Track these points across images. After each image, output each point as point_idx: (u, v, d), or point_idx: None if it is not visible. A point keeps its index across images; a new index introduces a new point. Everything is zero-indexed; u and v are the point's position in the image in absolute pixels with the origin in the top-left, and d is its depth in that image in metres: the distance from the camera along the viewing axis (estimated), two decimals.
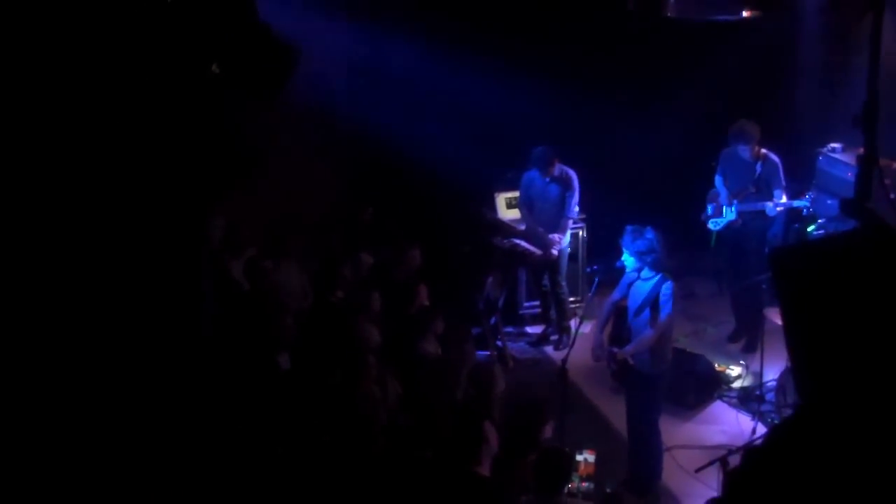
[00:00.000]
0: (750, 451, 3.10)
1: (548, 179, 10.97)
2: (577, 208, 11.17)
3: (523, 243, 11.20)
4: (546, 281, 11.48)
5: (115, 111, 5.36)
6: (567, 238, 11.18)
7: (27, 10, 5.00)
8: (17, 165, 5.03)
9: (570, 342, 9.35)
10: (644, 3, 6.08)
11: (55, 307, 5.17)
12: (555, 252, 11.01)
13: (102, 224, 5.34)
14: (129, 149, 5.44)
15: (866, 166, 3.64)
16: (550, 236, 10.95)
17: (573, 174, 10.97)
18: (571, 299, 11.74)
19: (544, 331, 11.73)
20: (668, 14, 6.05)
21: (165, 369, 5.65)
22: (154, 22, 5.44)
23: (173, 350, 5.74)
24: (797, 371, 2.98)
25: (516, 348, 11.43)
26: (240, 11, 5.65)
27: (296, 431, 7.25)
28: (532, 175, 11.13)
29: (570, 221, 11.18)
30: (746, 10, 6.07)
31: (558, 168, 10.91)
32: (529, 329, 11.98)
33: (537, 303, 11.96)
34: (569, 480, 7.00)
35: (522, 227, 11.48)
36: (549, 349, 11.45)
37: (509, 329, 11.73)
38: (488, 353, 10.51)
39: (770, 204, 10.30)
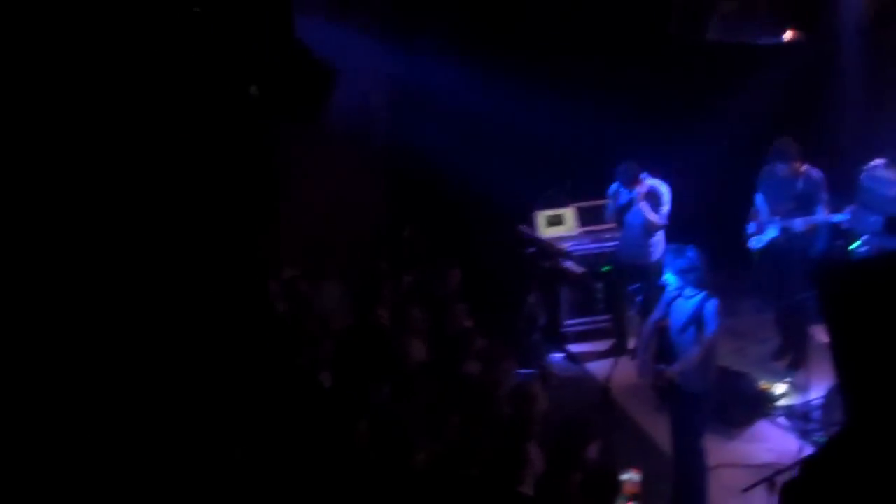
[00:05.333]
0: (807, 462, 3.05)
1: (634, 194, 10.92)
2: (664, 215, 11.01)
3: (564, 261, 11.16)
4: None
5: (158, 134, 5.41)
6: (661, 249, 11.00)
7: (70, 32, 5.05)
8: (65, 187, 5.08)
9: (614, 360, 9.28)
10: (685, 26, 6.06)
11: (104, 331, 5.22)
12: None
13: (144, 246, 5.38)
14: (171, 171, 5.48)
15: None
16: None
17: (658, 182, 10.97)
18: (615, 316, 11.67)
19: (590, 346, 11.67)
20: (710, 37, 6.03)
21: (207, 387, 5.68)
22: (194, 44, 5.47)
23: (217, 369, 5.77)
24: (844, 389, 2.93)
25: (559, 366, 11.38)
26: (278, 33, 5.70)
27: (340, 449, 7.24)
28: (617, 189, 11.13)
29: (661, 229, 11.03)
30: (787, 33, 6.03)
31: (645, 184, 10.88)
32: (572, 347, 11.93)
33: (579, 321, 11.90)
34: (615, 500, 6.94)
35: (564, 245, 11.45)
36: (591, 367, 11.39)
37: (552, 347, 11.68)
38: (530, 371, 10.47)
39: (799, 220, 10.26)
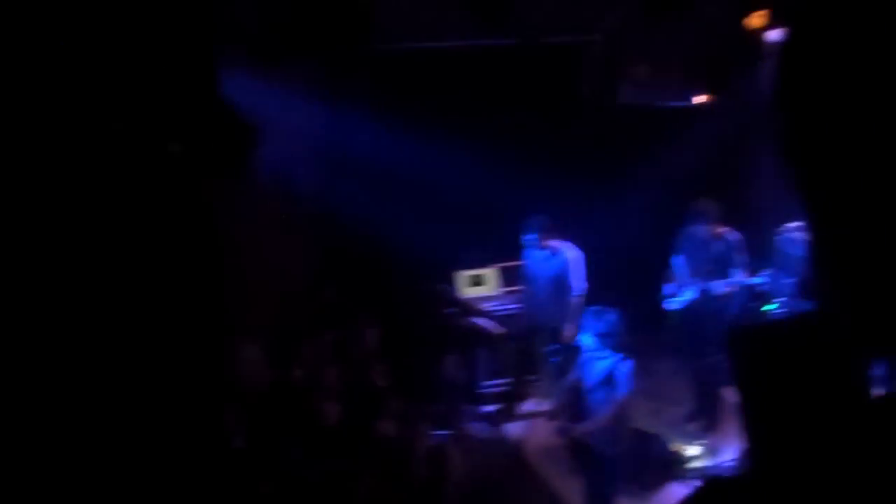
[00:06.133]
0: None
1: (545, 253, 11.01)
2: (583, 284, 11.03)
3: (483, 322, 11.20)
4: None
5: (78, 188, 5.35)
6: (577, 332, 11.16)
7: None
8: None
9: (529, 422, 9.31)
10: (597, 91, 6.20)
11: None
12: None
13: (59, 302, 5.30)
14: (90, 227, 5.43)
15: (813, 252, 3.66)
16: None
17: (571, 247, 11.05)
18: (530, 377, 11.72)
19: (503, 409, 11.68)
20: (621, 101, 6.17)
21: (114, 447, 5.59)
22: (115, 99, 5.45)
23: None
24: (751, 450, 2.98)
25: (475, 427, 11.36)
26: (202, 90, 5.69)
27: None
28: (529, 249, 11.18)
29: (579, 301, 11.00)
30: (697, 97, 6.19)
31: (555, 243, 10.96)
32: (488, 408, 11.93)
33: (497, 382, 11.92)
34: None
35: (485, 306, 11.51)
36: (507, 428, 11.39)
37: (468, 408, 11.66)
38: (447, 432, 10.44)
39: (719, 283, 10.41)
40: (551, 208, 11.47)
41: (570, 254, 11.01)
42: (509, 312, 11.90)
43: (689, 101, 6.15)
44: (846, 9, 0.89)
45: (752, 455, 3.04)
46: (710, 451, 10.25)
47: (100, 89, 5.44)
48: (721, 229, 10.52)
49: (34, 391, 5.19)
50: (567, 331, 10.96)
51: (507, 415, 11.60)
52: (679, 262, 10.89)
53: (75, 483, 5.31)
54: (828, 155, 0.92)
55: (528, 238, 11.02)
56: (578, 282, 10.98)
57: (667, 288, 10.94)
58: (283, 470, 7.76)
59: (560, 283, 11.00)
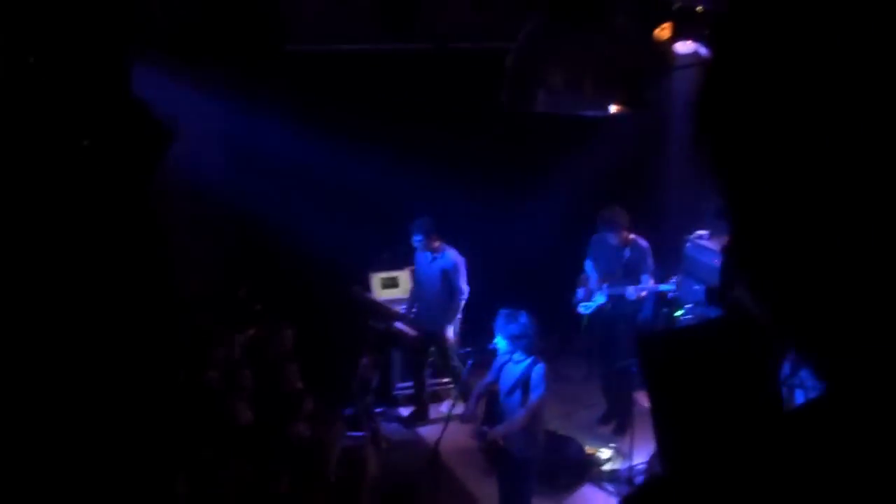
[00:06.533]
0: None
1: (430, 256, 11.10)
2: (466, 288, 11.21)
3: (397, 324, 11.21)
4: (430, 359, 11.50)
5: None
6: (457, 329, 11.30)
7: None
8: None
9: (443, 424, 9.32)
10: (514, 99, 6.22)
11: None
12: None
13: None
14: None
15: (731, 255, 3.74)
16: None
17: (455, 252, 11.09)
18: (445, 380, 11.77)
19: (416, 411, 11.71)
20: (538, 109, 6.21)
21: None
22: (25, 93, 5.36)
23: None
24: (662, 453, 3.03)
25: (390, 429, 11.37)
26: (113, 86, 5.62)
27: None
28: (418, 252, 11.29)
29: (460, 304, 11.26)
30: (613, 108, 6.24)
31: (440, 245, 11.05)
32: (403, 410, 11.94)
33: (410, 384, 11.93)
34: None
35: (399, 308, 11.53)
36: (421, 430, 11.42)
37: (382, 410, 11.66)
38: (361, 434, 10.42)
39: (631, 288, 10.55)
40: (464, 211, 11.54)
41: (454, 256, 11.10)
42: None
43: (604, 111, 6.20)
44: (769, 21, 0.91)
45: (661, 457, 3.09)
46: (622, 453, 10.37)
47: (14, 83, 5.35)
48: (630, 235, 10.66)
49: None
50: (448, 332, 11.10)
51: (422, 417, 11.62)
52: (590, 267, 11.01)
53: None
54: (749, 164, 0.93)
55: (415, 240, 11.12)
56: (461, 284, 11.08)
57: (578, 292, 11.06)
58: (196, 471, 7.68)
59: (443, 284, 11.09)
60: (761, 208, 0.91)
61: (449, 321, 11.19)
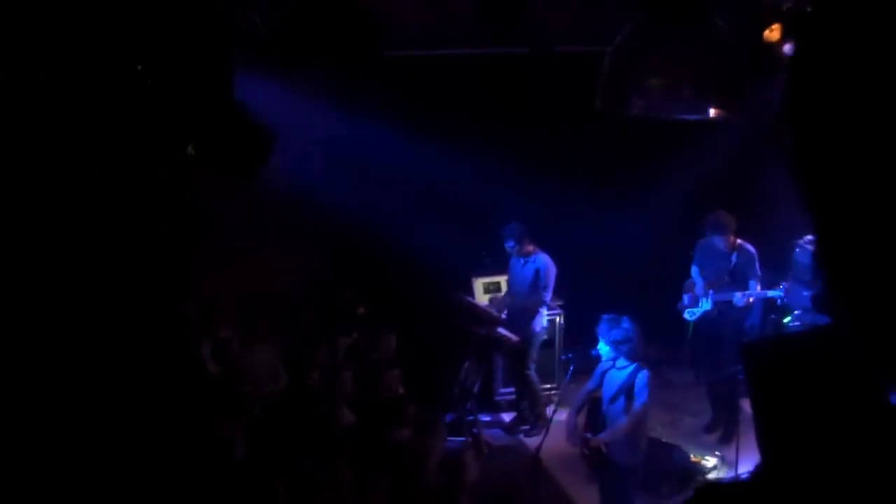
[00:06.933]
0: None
1: (522, 260, 11.06)
2: (547, 294, 11.16)
3: (500, 329, 11.17)
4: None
5: (93, 190, 5.35)
6: (543, 322, 11.23)
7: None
8: None
9: (545, 430, 9.24)
10: (609, 103, 6.13)
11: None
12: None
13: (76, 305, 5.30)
14: (105, 228, 5.42)
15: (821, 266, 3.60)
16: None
17: (546, 258, 11.03)
18: (547, 386, 11.69)
19: (518, 417, 11.66)
20: (632, 112, 6.11)
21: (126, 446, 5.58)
22: (132, 102, 5.45)
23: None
24: (763, 462, 2.94)
25: (491, 435, 11.33)
26: (217, 93, 5.69)
27: None
28: (512, 257, 11.26)
29: (544, 307, 11.19)
30: (713, 111, 6.12)
31: (533, 250, 11.01)
32: (505, 416, 11.90)
33: (513, 389, 11.89)
34: None
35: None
36: (523, 436, 11.36)
37: (484, 416, 11.63)
38: (462, 439, 10.41)
39: (739, 294, 10.36)
40: (568, 215, 11.47)
41: (545, 260, 11.03)
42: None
43: (703, 115, 6.07)
44: (854, 22, 0.85)
45: (764, 467, 2.99)
46: (727, 462, 10.19)
47: (118, 92, 5.44)
48: (737, 241, 10.47)
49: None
50: (535, 327, 11.06)
51: (524, 422, 11.56)
52: (696, 273, 10.84)
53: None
54: (836, 171, 0.88)
55: (508, 245, 11.10)
56: (545, 290, 11.01)
57: (684, 298, 10.90)
58: (293, 473, 7.74)
59: (533, 289, 11.03)
60: (848, 212, 0.86)
61: (526, 322, 11.16)
